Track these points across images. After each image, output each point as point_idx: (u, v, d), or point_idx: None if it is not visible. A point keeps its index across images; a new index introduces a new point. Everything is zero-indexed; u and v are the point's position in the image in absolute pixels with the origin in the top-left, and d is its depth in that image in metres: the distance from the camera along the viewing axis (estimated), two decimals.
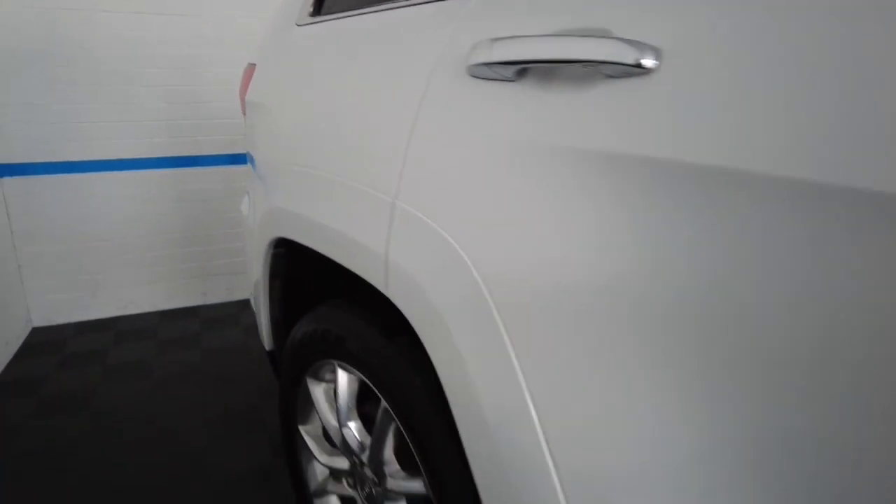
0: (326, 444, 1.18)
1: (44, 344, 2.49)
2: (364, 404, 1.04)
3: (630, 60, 0.49)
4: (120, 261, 2.75)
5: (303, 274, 1.20)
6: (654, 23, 0.49)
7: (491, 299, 0.62)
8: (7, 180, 2.48)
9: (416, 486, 0.90)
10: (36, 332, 2.61)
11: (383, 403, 0.90)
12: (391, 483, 0.95)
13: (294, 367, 1.15)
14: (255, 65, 1.35)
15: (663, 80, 0.48)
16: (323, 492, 1.21)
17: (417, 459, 0.85)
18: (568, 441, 0.58)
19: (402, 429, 0.86)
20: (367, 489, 1.04)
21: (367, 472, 1.01)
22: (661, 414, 0.51)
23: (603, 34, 0.52)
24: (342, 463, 1.11)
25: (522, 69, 0.59)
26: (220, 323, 2.72)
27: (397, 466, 0.95)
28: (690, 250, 0.47)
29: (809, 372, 0.41)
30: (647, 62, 0.48)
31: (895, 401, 0.37)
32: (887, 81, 0.36)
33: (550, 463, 0.59)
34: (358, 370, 0.94)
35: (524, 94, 0.59)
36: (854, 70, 0.38)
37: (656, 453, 0.52)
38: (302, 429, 1.21)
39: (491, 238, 0.62)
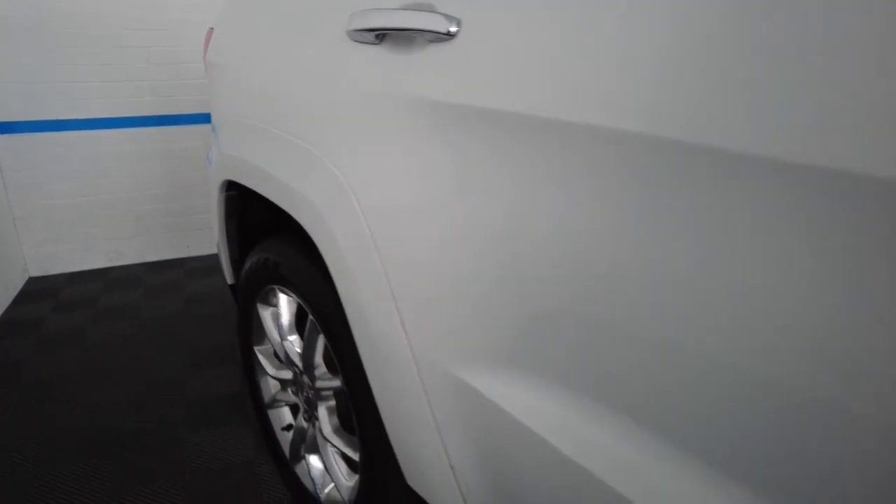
0: (276, 360, 1.37)
1: (40, 291, 2.69)
2: (302, 325, 1.23)
3: (443, 29, 0.65)
4: (109, 215, 2.93)
5: (254, 213, 1.37)
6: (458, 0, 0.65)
7: (363, 215, 0.79)
8: (1, 137, 2.63)
9: (337, 382, 1.09)
10: (32, 281, 2.81)
11: (310, 317, 1.09)
12: (320, 383, 1.14)
13: (247, 294, 1.33)
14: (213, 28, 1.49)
15: (462, 43, 0.64)
16: (274, 402, 1.41)
17: (335, 359, 1.04)
18: (416, 318, 0.76)
19: (324, 335, 1.05)
20: (305, 393, 1.24)
21: (305, 378, 1.21)
22: (479, 291, 0.69)
23: (429, 9, 0.68)
24: (287, 374, 1.31)
25: (381, 34, 0.75)
26: (203, 273, 2.92)
27: (324, 369, 1.15)
28: (484, 177, 0.64)
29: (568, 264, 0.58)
30: (453, 29, 0.64)
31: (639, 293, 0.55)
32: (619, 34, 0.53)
33: (403, 332, 0.78)
34: (291, 291, 1.13)
35: (383, 55, 0.75)
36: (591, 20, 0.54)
37: (472, 327, 0.71)
38: (256, 349, 1.40)
39: (362, 169, 0.79)
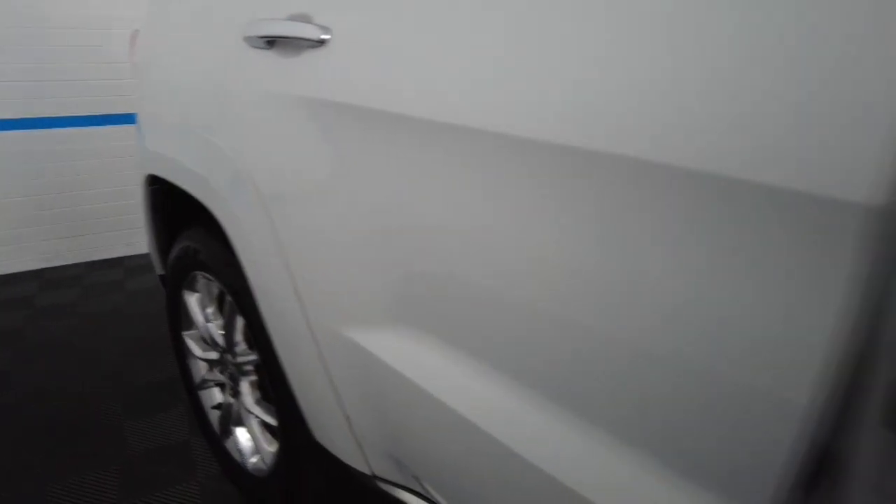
0: (202, 343, 1.46)
1: None
2: (223, 307, 1.32)
3: (315, 37, 0.77)
4: (44, 216, 2.91)
5: (180, 206, 1.45)
6: (330, 11, 0.77)
7: (261, 200, 0.90)
8: None
9: (255, 356, 1.20)
10: None
11: (228, 298, 1.19)
12: (241, 359, 1.24)
13: (174, 282, 1.42)
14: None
15: (332, 49, 0.76)
16: (203, 383, 1.49)
17: (251, 335, 1.14)
18: (308, 289, 0.88)
19: (240, 314, 1.15)
20: (229, 371, 1.34)
21: (228, 357, 1.30)
22: (358, 263, 0.81)
23: (306, 19, 0.80)
24: (213, 355, 1.40)
25: (270, 40, 0.86)
26: (145, 270, 2.94)
27: (244, 345, 1.25)
28: (359, 162, 0.76)
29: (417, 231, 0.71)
30: (323, 37, 0.76)
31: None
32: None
33: (298, 302, 0.89)
34: (210, 275, 1.22)
35: (273, 58, 0.86)
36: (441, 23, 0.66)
37: (354, 293, 0.83)
38: (185, 334, 1.48)
39: (260, 159, 0.90)
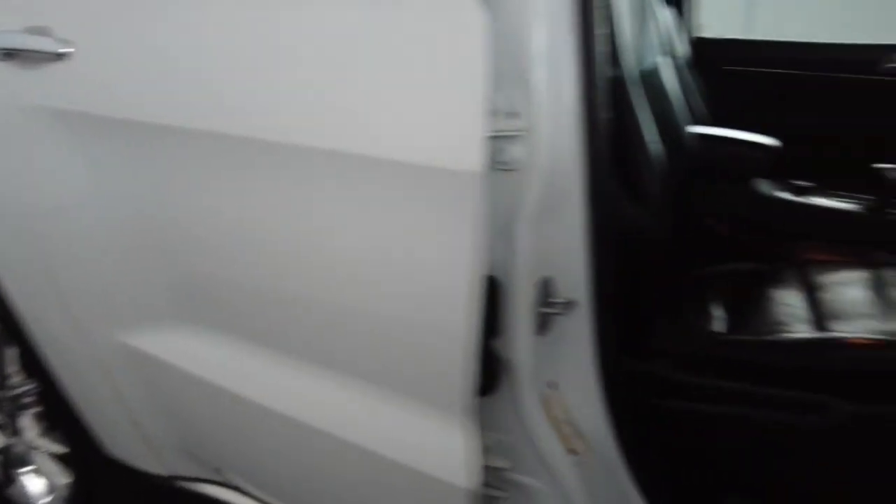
0: None
1: None
2: None
3: (53, 51, 0.78)
4: None
5: None
6: (71, 25, 0.79)
7: (21, 220, 0.88)
8: None
9: (34, 385, 1.13)
10: None
11: None
12: (18, 391, 1.16)
13: None
14: None
15: (74, 61, 0.78)
16: None
17: (27, 363, 1.07)
18: (79, 303, 0.88)
19: (11, 341, 1.08)
20: (7, 408, 1.23)
21: (2, 393, 1.20)
22: (127, 272, 0.83)
23: (45, 32, 0.80)
24: None
25: (9, 53, 0.84)
26: None
27: (21, 376, 1.17)
28: (113, 170, 0.78)
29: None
30: (62, 50, 0.78)
31: None
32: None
33: (70, 317, 0.88)
34: None
35: (13, 70, 0.85)
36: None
37: (125, 300, 0.85)
38: None
39: (13, 177, 0.88)
